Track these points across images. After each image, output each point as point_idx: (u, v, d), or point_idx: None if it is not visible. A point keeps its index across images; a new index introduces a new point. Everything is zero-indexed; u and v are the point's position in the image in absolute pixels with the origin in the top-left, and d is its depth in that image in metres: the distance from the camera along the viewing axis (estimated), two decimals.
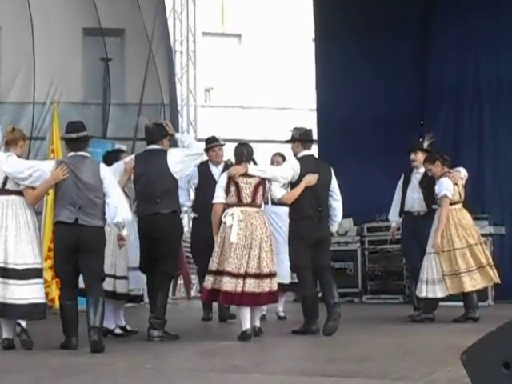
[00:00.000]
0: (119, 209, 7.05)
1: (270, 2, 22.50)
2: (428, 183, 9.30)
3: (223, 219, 7.47)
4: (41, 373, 5.82)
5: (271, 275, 7.48)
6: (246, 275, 7.34)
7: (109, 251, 7.59)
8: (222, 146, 9.82)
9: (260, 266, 7.39)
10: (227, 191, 7.56)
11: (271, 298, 7.57)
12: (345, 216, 12.60)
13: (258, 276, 7.38)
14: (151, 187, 7.77)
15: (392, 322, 9.44)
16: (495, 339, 4.07)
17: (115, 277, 8.00)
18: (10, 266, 6.99)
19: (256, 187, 7.54)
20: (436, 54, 13.21)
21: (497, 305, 11.05)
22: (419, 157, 9.44)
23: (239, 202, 7.49)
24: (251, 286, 7.33)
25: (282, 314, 9.89)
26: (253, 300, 7.39)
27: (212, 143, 9.83)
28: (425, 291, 8.98)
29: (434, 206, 9.24)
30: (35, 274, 7.08)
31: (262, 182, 7.59)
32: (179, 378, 5.44)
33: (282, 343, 7.43)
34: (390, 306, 10.92)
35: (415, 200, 9.47)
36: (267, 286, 7.41)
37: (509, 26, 12.49)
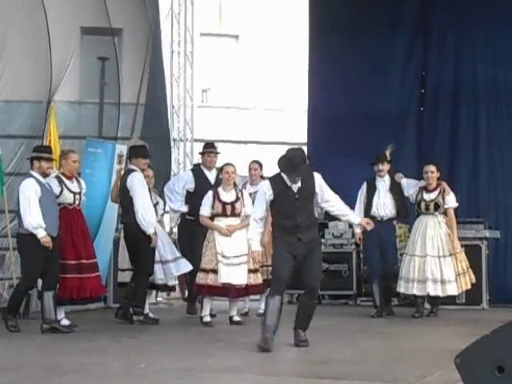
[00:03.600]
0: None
1: (267, 2, 22.50)
2: (398, 190, 10.29)
3: None
4: (34, 371, 5.82)
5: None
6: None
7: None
8: (218, 153, 10.49)
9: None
10: None
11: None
12: (340, 219, 12.71)
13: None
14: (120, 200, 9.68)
15: (386, 324, 9.45)
16: (489, 343, 4.07)
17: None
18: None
19: None
20: (433, 55, 13.12)
21: (491, 308, 11.05)
22: (385, 167, 10.34)
23: None
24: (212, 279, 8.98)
25: (261, 311, 10.05)
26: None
27: (209, 149, 10.42)
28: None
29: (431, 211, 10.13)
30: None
31: None
32: (173, 378, 5.44)
33: (277, 345, 7.42)
34: None
35: (382, 206, 10.27)
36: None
37: (506, 27, 12.44)
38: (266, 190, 7.17)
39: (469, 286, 10.22)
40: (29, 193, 8.51)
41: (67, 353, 6.92)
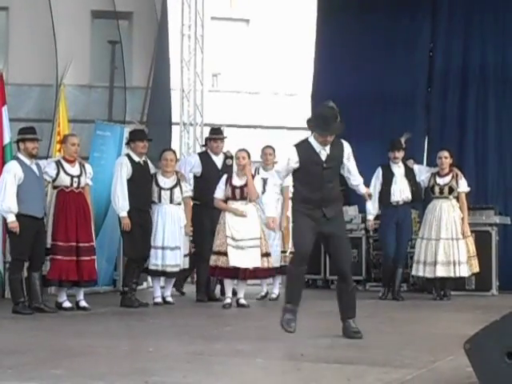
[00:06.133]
0: None
1: None
2: (412, 175, 10.57)
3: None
4: (43, 354, 5.83)
5: None
6: None
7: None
8: (225, 138, 10.45)
9: None
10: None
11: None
12: (350, 203, 12.70)
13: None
14: None
15: (395, 310, 9.44)
16: (499, 329, 4.06)
17: None
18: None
19: None
20: (441, 37, 12.97)
21: (501, 294, 11.04)
22: (400, 154, 10.57)
23: None
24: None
25: (274, 295, 10.41)
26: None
27: (216, 135, 10.37)
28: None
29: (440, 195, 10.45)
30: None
31: None
32: (181, 362, 5.43)
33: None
34: None
35: (398, 191, 10.51)
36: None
37: None
38: (290, 157, 6.56)
39: (477, 270, 10.52)
40: (7, 176, 8.65)
41: (76, 336, 6.93)
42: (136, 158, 9.60)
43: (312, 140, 6.55)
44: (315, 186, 6.52)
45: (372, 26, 13.09)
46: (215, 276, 9.62)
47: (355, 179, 6.91)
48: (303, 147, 6.56)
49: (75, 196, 9.02)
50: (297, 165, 6.54)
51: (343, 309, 6.67)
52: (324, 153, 6.53)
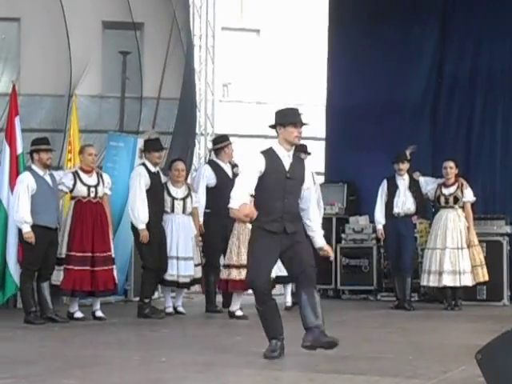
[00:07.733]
0: None
1: None
2: (417, 187, 10.67)
3: None
4: (55, 364, 5.84)
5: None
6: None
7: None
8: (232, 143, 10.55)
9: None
10: None
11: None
12: (361, 213, 12.70)
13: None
14: None
15: (406, 319, 9.43)
16: (511, 339, 4.06)
17: None
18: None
19: None
20: (452, 45, 12.98)
21: None
22: (405, 166, 10.68)
23: None
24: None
25: (288, 304, 10.38)
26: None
27: (227, 141, 10.44)
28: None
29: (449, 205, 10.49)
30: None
31: None
32: (193, 372, 5.44)
33: (296, 339, 7.43)
34: None
35: (401, 203, 10.63)
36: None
37: None
38: (258, 160, 6.11)
39: (486, 278, 10.46)
40: (20, 187, 8.71)
41: (88, 345, 6.96)
42: (152, 168, 9.60)
43: (276, 147, 6.21)
44: (277, 195, 6.09)
45: (382, 36, 13.14)
46: (241, 289, 9.12)
47: (312, 219, 6.31)
48: (268, 153, 6.18)
49: (92, 206, 9.06)
50: (262, 169, 6.08)
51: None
52: (288, 161, 6.18)
